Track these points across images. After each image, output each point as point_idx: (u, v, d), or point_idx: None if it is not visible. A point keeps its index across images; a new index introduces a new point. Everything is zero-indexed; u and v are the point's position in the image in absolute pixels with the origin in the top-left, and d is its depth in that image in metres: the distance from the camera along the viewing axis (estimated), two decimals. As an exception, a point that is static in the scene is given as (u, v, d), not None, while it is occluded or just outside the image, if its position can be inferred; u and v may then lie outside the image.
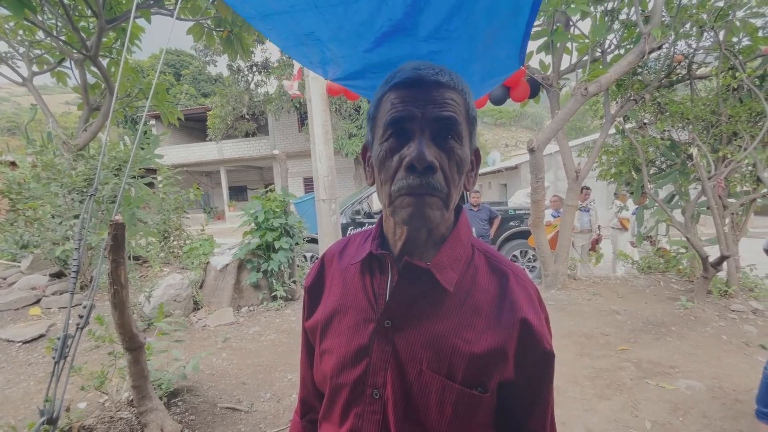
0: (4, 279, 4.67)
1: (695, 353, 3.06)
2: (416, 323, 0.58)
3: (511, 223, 6.30)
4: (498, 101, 4.46)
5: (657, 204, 4.67)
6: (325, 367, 0.64)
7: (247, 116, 17.17)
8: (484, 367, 0.55)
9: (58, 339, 1.39)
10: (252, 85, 16.32)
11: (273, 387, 2.78)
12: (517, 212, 6.33)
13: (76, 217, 4.28)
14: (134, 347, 1.97)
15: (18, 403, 2.62)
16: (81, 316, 1.46)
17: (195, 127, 20.88)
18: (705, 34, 4.21)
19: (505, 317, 0.56)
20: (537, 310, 0.59)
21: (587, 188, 5.89)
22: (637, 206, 5.68)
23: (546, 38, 4.39)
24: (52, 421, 1.45)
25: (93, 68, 4.61)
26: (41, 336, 3.59)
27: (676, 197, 4.88)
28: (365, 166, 0.65)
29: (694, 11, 3.94)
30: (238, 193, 21.96)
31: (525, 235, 6.08)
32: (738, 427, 2.18)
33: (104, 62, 4.64)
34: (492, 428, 0.59)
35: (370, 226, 0.69)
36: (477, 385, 0.55)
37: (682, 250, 5.22)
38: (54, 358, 1.39)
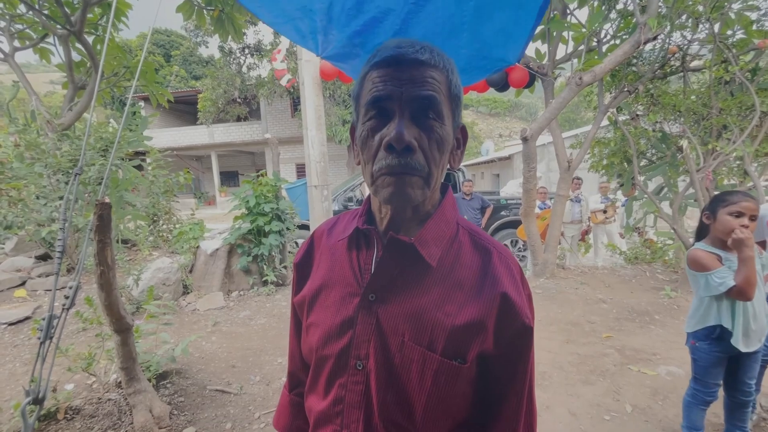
0: (-12, 260, 4.59)
1: (677, 341, 3.14)
2: (399, 297, 0.59)
3: (503, 213, 6.34)
4: (496, 84, 4.39)
5: (646, 195, 4.73)
6: (311, 339, 0.65)
7: (238, 100, 16.83)
8: (463, 339, 0.56)
9: (44, 320, 1.37)
10: (244, 68, 15.95)
11: (263, 370, 2.80)
12: (508, 202, 6.36)
13: (62, 198, 4.20)
14: (122, 329, 1.95)
15: (3, 385, 2.60)
16: (67, 297, 1.44)
17: (185, 110, 20.45)
18: (700, 26, 4.22)
19: (486, 291, 0.57)
20: (518, 286, 0.59)
21: (578, 179, 5.94)
22: (626, 197, 5.74)
23: (542, 26, 4.34)
24: (37, 402, 1.44)
25: (78, 45, 4.45)
26: (27, 318, 3.55)
27: (665, 189, 4.94)
28: (353, 145, 0.65)
29: (690, 2, 3.93)
30: (229, 178, 21.69)
31: (516, 224, 6.13)
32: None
33: (90, 39, 4.48)
34: (470, 398, 0.60)
35: None
36: (456, 356, 0.56)
37: (669, 242, 5.32)
38: (39, 338, 1.37)
